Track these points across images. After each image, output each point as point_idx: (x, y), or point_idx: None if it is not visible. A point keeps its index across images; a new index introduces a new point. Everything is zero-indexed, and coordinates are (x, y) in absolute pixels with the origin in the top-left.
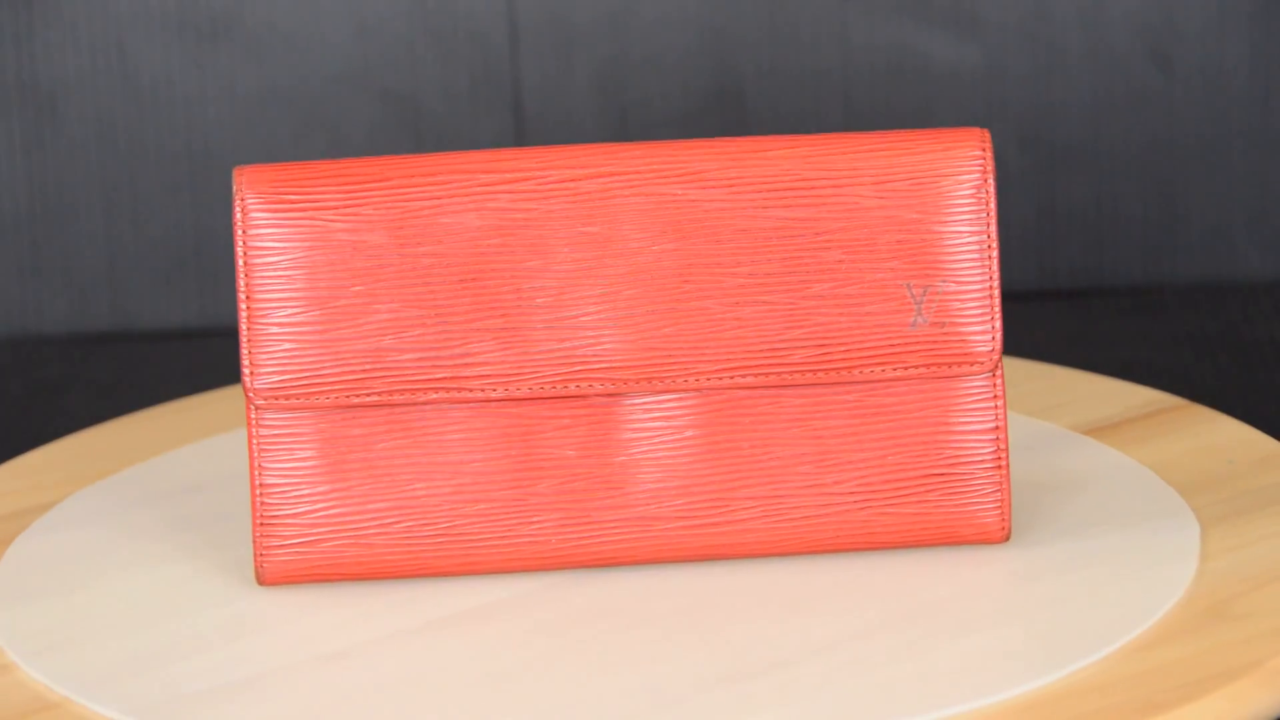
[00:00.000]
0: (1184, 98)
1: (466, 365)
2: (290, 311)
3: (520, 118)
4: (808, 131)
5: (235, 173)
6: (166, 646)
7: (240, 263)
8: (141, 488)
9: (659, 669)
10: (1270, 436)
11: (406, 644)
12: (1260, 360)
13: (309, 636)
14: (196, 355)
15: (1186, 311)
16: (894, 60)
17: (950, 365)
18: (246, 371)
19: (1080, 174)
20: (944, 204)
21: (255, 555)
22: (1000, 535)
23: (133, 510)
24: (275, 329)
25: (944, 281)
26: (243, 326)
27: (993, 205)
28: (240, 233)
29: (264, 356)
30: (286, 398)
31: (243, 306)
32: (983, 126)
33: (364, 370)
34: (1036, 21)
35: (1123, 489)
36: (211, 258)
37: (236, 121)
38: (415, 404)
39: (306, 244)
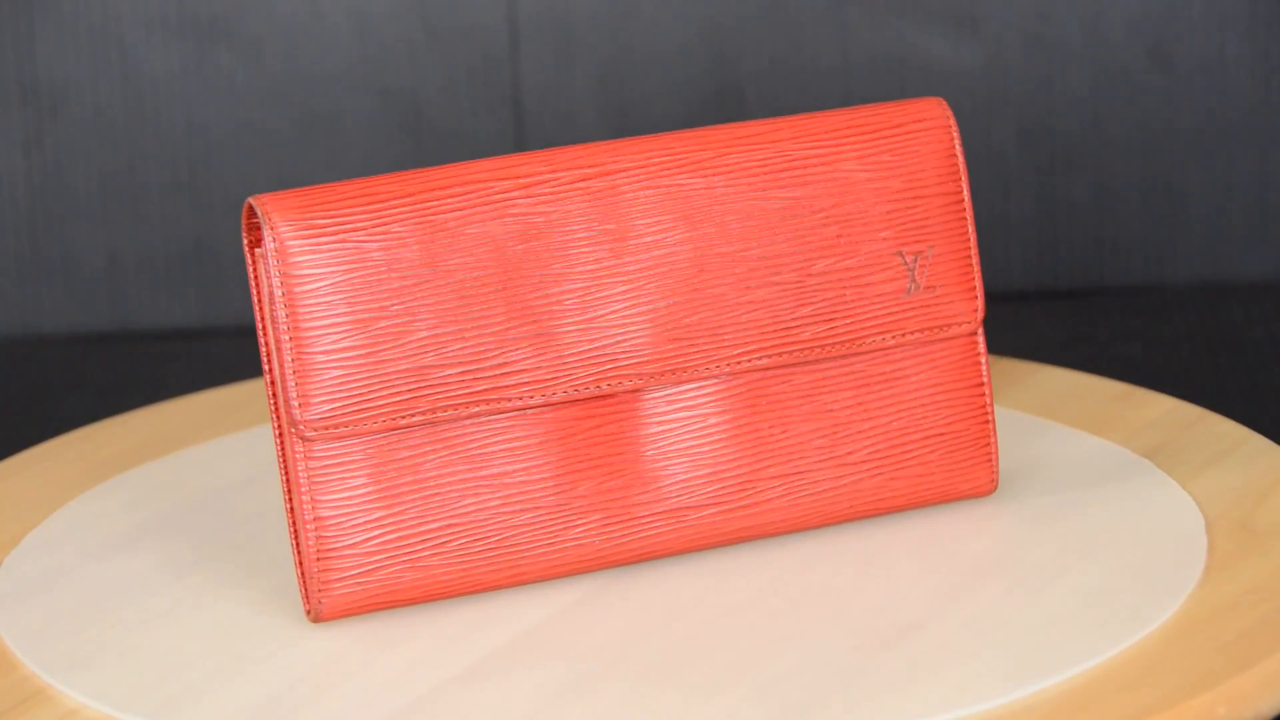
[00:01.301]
0: (1184, 96)
1: (505, 375)
2: (335, 338)
3: (520, 117)
4: None
5: (256, 204)
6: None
7: (278, 293)
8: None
9: (804, 648)
10: (1268, 437)
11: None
12: (1260, 360)
13: (381, 689)
14: (196, 355)
15: (1186, 311)
16: (894, 59)
17: (943, 327)
18: (295, 405)
19: (1080, 173)
20: (924, 171)
21: (309, 592)
22: (991, 487)
23: (155, 527)
24: (321, 357)
25: (932, 247)
26: (285, 359)
27: (964, 168)
28: (275, 262)
29: (313, 387)
30: (336, 427)
31: (284, 339)
32: (983, 126)
33: (410, 390)
34: (1036, 21)
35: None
36: (211, 258)
37: (236, 121)
38: (458, 419)
39: (343, 267)
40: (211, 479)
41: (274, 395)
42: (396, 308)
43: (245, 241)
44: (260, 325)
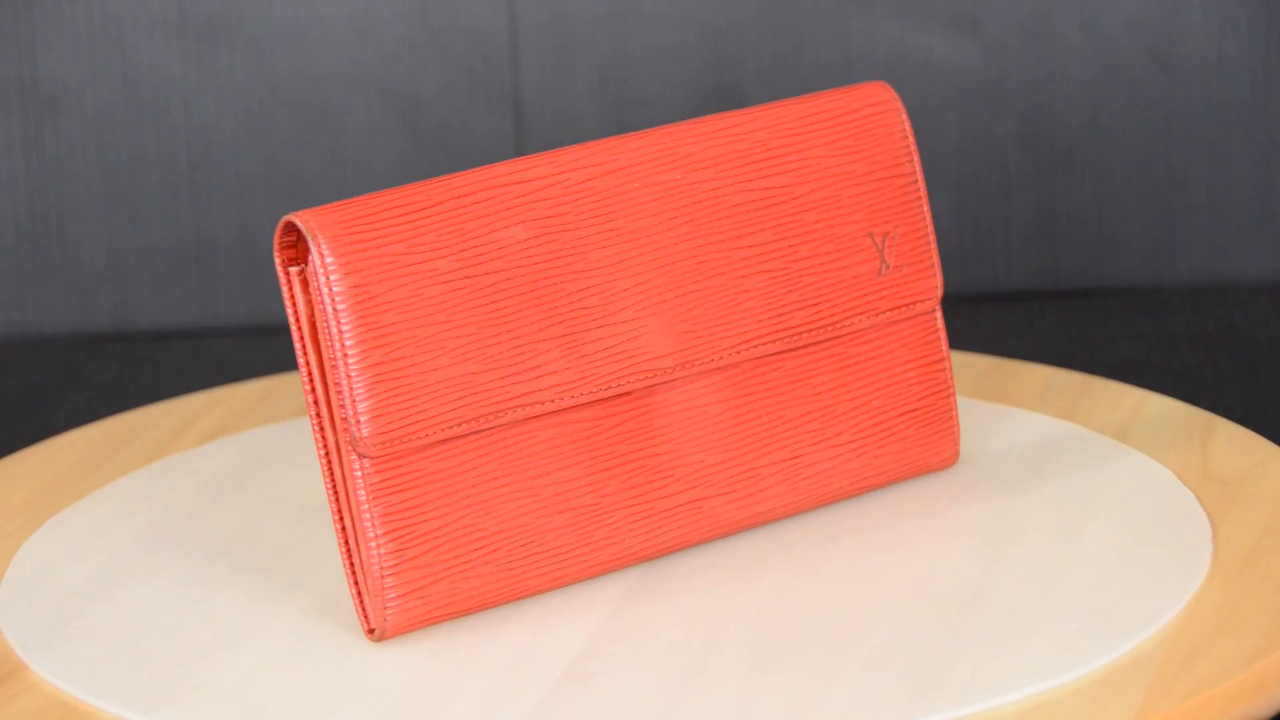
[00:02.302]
0: (1184, 98)
1: (539, 378)
2: (385, 352)
3: (520, 117)
4: None
5: (300, 222)
6: None
7: (331, 310)
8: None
9: (891, 620)
10: (1268, 437)
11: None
12: (1260, 360)
13: (494, 703)
14: (196, 355)
15: (1186, 311)
16: (894, 59)
17: (910, 305)
18: (353, 424)
19: (1080, 174)
20: (884, 153)
21: (373, 611)
22: (954, 459)
23: (178, 537)
24: (372, 374)
25: (897, 227)
26: (342, 377)
27: (916, 148)
28: (326, 280)
29: (372, 403)
30: (394, 442)
31: (339, 357)
32: (983, 126)
33: (456, 399)
34: (1036, 21)
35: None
36: (211, 258)
37: (236, 121)
38: (499, 425)
39: (389, 281)
40: (215, 480)
41: (319, 415)
42: (439, 318)
43: (279, 261)
44: (300, 345)
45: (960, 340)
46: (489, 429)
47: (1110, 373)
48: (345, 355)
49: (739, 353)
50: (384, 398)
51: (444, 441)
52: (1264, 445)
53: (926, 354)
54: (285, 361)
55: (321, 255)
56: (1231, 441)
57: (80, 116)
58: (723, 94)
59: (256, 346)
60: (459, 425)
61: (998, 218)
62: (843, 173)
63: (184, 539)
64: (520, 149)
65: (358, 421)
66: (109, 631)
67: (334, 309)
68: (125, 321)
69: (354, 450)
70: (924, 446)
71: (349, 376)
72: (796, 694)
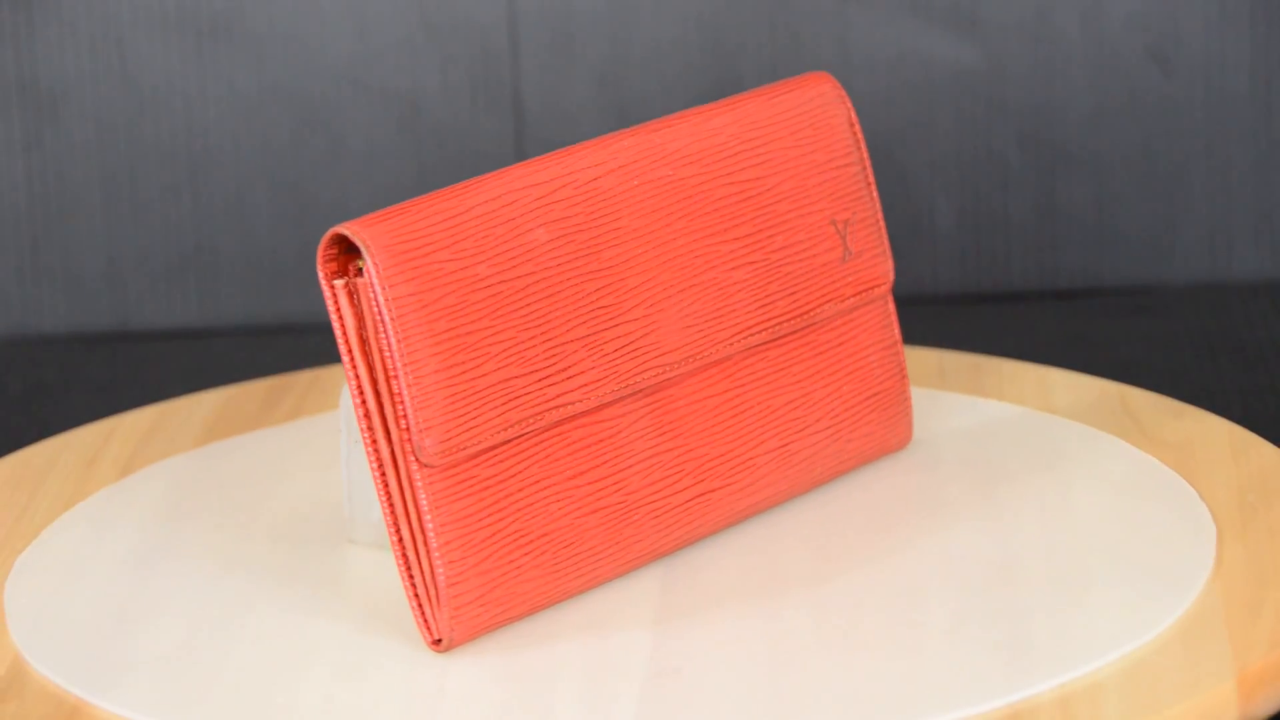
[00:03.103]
0: (1184, 98)
1: (569, 379)
2: (440, 360)
3: (520, 117)
4: None
5: (352, 234)
6: None
7: (388, 321)
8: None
9: (954, 593)
10: (1268, 437)
11: None
12: (1260, 360)
13: (594, 703)
14: (196, 355)
15: (1186, 311)
16: (894, 59)
17: (870, 290)
18: (416, 433)
19: (1080, 174)
20: (838, 141)
21: (440, 622)
22: (909, 439)
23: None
24: (431, 382)
25: (855, 213)
26: (401, 388)
27: (862, 135)
28: (381, 291)
29: (431, 413)
30: (451, 451)
31: (398, 367)
32: (983, 126)
33: (503, 404)
34: (1036, 21)
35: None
36: (211, 258)
37: (236, 121)
38: (537, 429)
39: (437, 289)
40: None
41: (371, 428)
42: (484, 323)
43: (322, 274)
44: (349, 358)
45: (960, 340)
46: (528, 433)
47: (1110, 373)
48: (405, 365)
49: (732, 345)
50: (443, 406)
51: (492, 448)
52: (1187, 409)
53: (884, 338)
54: (285, 362)
55: (377, 267)
56: (1156, 408)
57: (80, 116)
58: (722, 94)
59: (256, 346)
60: (506, 430)
61: (998, 218)
62: (806, 163)
63: (180, 563)
64: (520, 149)
65: (420, 430)
66: (166, 656)
67: (392, 319)
68: (125, 321)
69: (416, 460)
70: (886, 428)
71: (409, 386)
72: (893, 670)
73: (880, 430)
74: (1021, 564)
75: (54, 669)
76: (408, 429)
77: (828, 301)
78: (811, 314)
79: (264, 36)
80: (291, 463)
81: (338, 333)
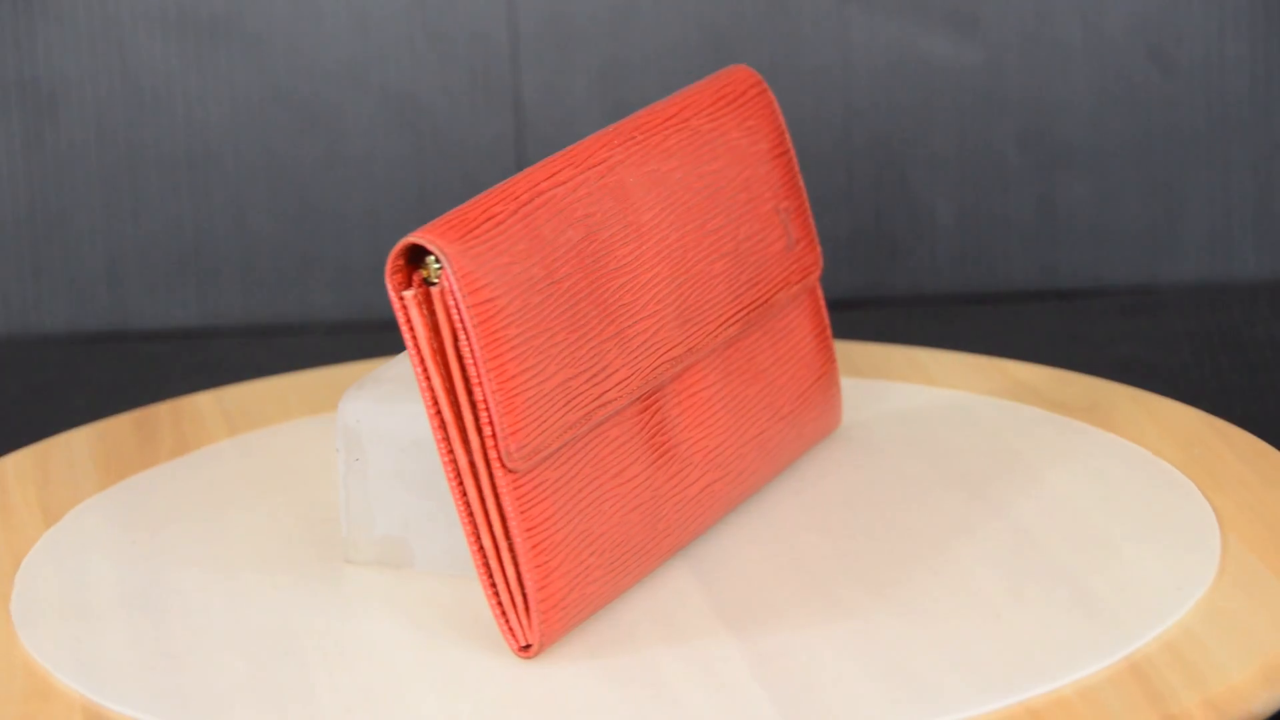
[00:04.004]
0: (1184, 97)
1: (607, 377)
2: (517, 365)
3: (520, 117)
4: (811, 131)
5: (429, 243)
6: None
7: (467, 331)
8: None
9: (985, 567)
10: (1268, 437)
11: None
12: (1260, 360)
13: (707, 694)
14: (196, 355)
15: (1186, 311)
16: (894, 59)
17: (807, 277)
18: (502, 439)
19: (1080, 173)
20: (773, 132)
21: (531, 626)
22: (839, 422)
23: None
24: (510, 388)
25: (792, 202)
26: (486, 394)
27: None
28: (460, 299)
29: (512, 419)
30: (530, 455)
31: (479, 376)
32: (983, 126)
33: (564, 406)
34: (1036, 21)
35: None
36: (211, 258)
37: (236, 121)
38: (590, 428)
39: (505, 295)
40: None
41: (447, 438)
42: (542, 326)
43: (392, 286)
44: (422, 369)
45: (960, 340)
46: (580, 434)
47: (1110, 373)
48: (488, 372)
49: (717, 336)
50: (522, 410)
51: (555, 451)
52: (1059, 372)
53: (818, 323)
54: (285, 362)
55: (456, 275)
56: (1036, 376)
57: (80, 115)
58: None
59: (256, 346)
60: (566, 431)
61: (998, 218)
62: (754, 154)
63: (187, 616)
64: (520, 149)
65: (505, 436)
66: (243, 675)
67: (474, 327)
68: (125, 321)
69: (502, 466)
70: (829, 412)
71: (494, 393)
72: (989, 634)
73: (825, 414)
74: (1034, 531)
75: None
76: (493, 435)
77: (781, 289)
78: (770, 303)
79: (264, 36)
80: (249, 491)
81: (409, 343)
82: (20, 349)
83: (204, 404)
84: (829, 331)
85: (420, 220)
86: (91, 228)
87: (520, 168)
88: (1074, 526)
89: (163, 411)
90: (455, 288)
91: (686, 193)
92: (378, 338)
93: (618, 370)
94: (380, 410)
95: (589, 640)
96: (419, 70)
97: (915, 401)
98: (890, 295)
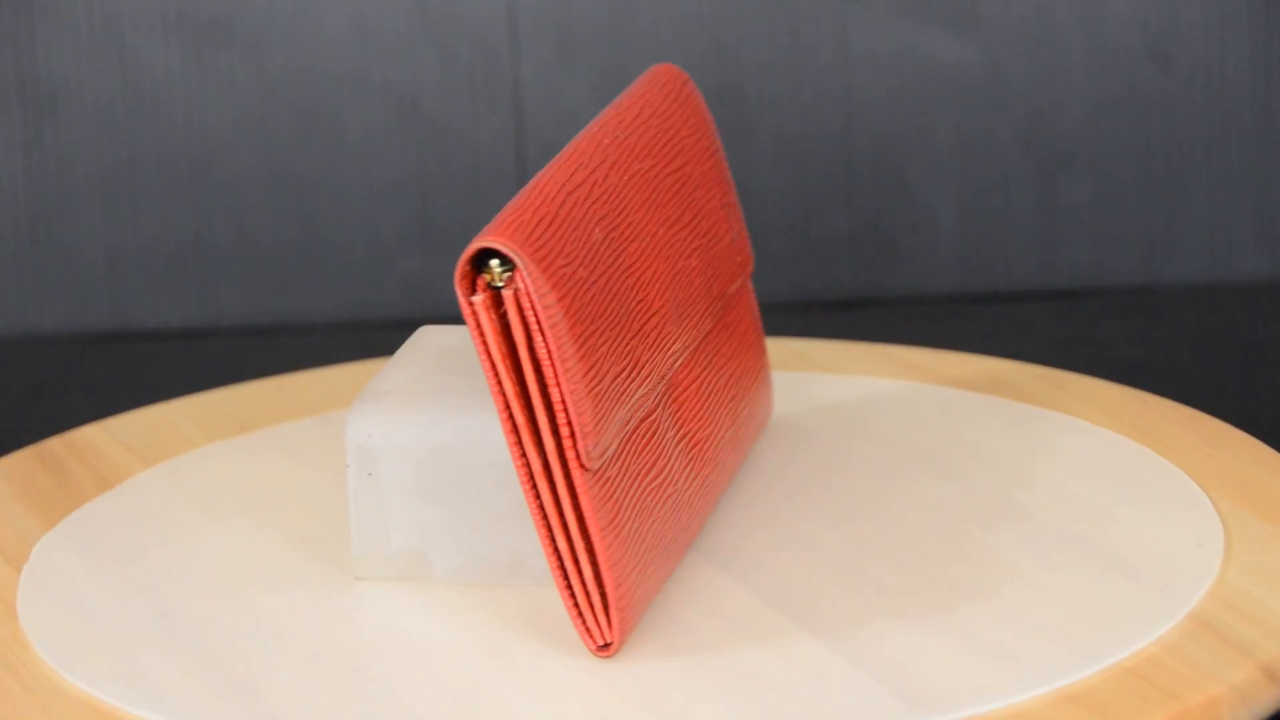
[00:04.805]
0: (1184, 98)
1: (640, 374)
2: (585, 365)
3: (520, 117)
4: (811, 131)
5: (499, 247)
6: None
7: (544, 333)
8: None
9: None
10: (1268, 437)
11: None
12: (1260, 360)
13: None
14: (196, 355)
15: (1186, 311)
16: (894, 60)
17: (745, 269)
18: (580, 438)
19: (1080, 173)
20: (709, 128)
21: (611, 626)
22: (772, 410)
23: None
24: (583, 387)
25: (729, 196)
26: (560, 397)
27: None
28: (536, 301)
29: (588, 419)
30: (602, 454)
31: (556, 377)
32: (983, 126)
33: (616, 404)
34: (1036, 21)
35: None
36: (211, 258)
37: (237, 121)
38: (635, 427)
39: (568, 296)
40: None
41: (520, 441)
42: (594, 325)
43: (461, 290)
44: (492, 373)
45: (960, 340)
46: (627, 431)
47: (1110, 373)
48: (563, 372)
49: (698, 330)
50: (595, 409)
51: (619, 452)
52: (948, 354)
53: (754, 315)
54: (285, 362)
55: (532, 277)
56: (962, 364)
57: (80, 116)
58: (723, 94)
59: (256, 346)
60: (621, 430)
61: (998, 218)
62: (700, 149)
63: (202, 648)
64: (520, 149)
65: (583, 435)
66: (329, 699)
67: (549, 328)
68: (125, 321)
69: (580, 465)
70: (768, 403)
71: (570, 393)
72: (1046, 603)
73: (767, 406)
74: (1026, 505)
75: None
76: (570, 435)
77: (733, 281)
78: (727, 295)
79: (264, 36)
80: (211, 518)
81: (479, 347)
82: (20, 349)
83: (94, 435)
84: (760, 324)
85: (419, 219)
86: (91, 228)
87: (520, 168)
88: (1060, 496)
89: (57, 446)
90: (531, 289)
91: (662, 191)
92: (378, 338)
93: (644, 366)
94: (392, 424)
95: (660, 639)
96: (419, 70)
97: (821, 390)
98: (890, 295)
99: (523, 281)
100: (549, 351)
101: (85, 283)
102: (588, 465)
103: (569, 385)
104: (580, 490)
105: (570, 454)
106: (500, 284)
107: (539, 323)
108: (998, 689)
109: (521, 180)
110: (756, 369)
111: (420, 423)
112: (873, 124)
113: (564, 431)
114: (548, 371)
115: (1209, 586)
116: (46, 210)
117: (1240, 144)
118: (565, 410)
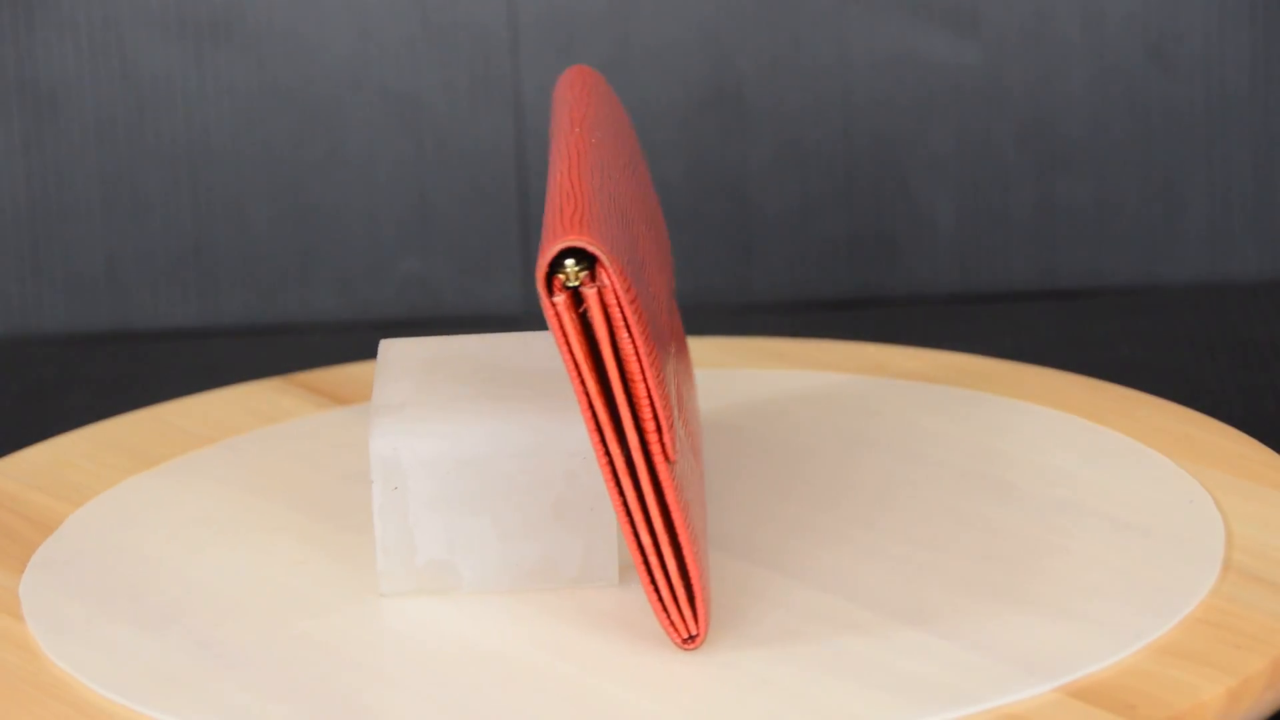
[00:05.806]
0: (1183, 96)
1: (668, 365)
2: (653, 362)
3: (520, 117)
4: (811, 131)
5: (585, 246)
6: None
7: (627, 331)
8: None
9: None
10: (1268, 437)
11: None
12: (1260, 360)
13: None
14: (196, 355)
15: (1186, 311)
16: (894, 59)
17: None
18: (664, 433)
19: (1080, 174)
20: (629, 124)
21: (697, 619)
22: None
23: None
24: (664, 379)
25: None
26: (642, 394)
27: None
28: (622, 299)
29: (669, 412)
30: (678, 447)
31: (636, 373)
32: (982, 125)
33: (666, 400)
34: (1036, 21)
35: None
36: (211, 258)
37: (236, 121)
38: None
39: (634, 291)
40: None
41: (603, 441)
42: (648, 319)
43: (544, 291)
44: (575, 371)
45: (960, 340)
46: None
47: (1110, 373)
48: (649, 367)
49: (673, 320)
50: (664, 405)
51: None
52: (929, 352)
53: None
54: (286, 362)
55: (618, 275)
56: (910, 357)
57: (80, 116)
58: (722, 94)
59: (256, 346)
60: (675, 425)
61: (998, 218)
62: (632, 143)
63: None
64: (520, 148)
65: (669, 428)
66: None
67: (635, 325)
68: (125, 321)
69: (664, 459)
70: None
71: (655, 387)
72: (1080, 566)
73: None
74: (999, 477)
75: None
76: (656, 430)
77: (672, 272)
78: (672, 287)
79: (264, 36)
80: (189, 546)
81: (562, 347)
82: (20, 349)
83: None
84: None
85: (420, 219)
86: (91, 228)
87: (520, 168)
88: (1027, 464)
89: None
90: (617, 287)
91: (632, 181)
92: (378, 338)
93: (670, 359)
94: (418, 436)
95: (735, 630)
96: (419, 70)
97: (759, 386)
98: (890, 295)
99: (607, 279)
100: (635, 348)
101: (85, 283)
102: (672, 458)
103: (654, 380)
104: (665, 483)
105: (655, 448)
106: (576, 283)
107: (625, 319)
108: (1097, 651)
109: (522, 181)
110: (689, 362)
111: (446, 434)
112: (872, 124)
113: (648, 426)
114: (631, 367)
115: (1225, 537)
116: (47, 211)
117: (1240, 144)
118: (651, 404)
